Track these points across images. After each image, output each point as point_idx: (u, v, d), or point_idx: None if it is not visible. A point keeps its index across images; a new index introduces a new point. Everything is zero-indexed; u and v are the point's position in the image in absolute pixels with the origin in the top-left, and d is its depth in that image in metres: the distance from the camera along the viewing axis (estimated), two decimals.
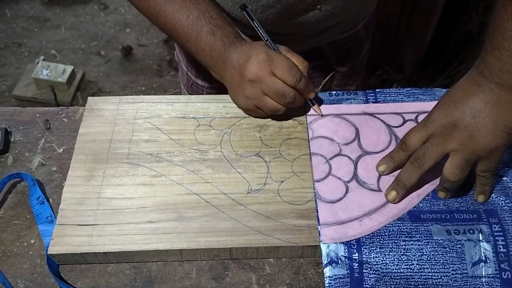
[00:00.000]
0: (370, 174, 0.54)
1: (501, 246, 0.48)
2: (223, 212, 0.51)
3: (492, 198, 0.52)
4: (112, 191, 0.53)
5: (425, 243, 0.49)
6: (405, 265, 0.48)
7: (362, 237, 0.49)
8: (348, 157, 0.56)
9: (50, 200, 0.55)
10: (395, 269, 0.47)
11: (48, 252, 0.48)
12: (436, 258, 0.48)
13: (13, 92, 1.87)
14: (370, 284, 0.47)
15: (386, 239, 0.49)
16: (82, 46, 2.09)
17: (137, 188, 0.53)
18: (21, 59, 2.03)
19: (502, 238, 0.49)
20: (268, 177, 0.54)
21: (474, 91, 0.49)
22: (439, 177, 0.52)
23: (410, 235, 0.49)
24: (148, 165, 0.55)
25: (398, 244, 0.49)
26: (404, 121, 0.59)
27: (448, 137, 0.49)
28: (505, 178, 0.54)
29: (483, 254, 0.48)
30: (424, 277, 0.47)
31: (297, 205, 0.52)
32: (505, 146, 0.48)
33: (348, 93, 0.62)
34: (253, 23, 0.57)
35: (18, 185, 0.56)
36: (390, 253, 0.48)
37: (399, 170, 0.53)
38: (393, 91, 0.62)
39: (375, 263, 0.48)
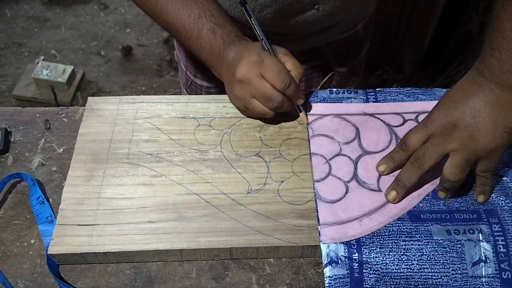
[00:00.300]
0: (370, 174, 0.54)
1: (501, 246, 0.48)
2: (223, 212, 0.51)
3: (492, 198, 0.52)
4: (112, 191, 0.53)
5: (425, 243, 0.49)
6: (405, 265, 0.47)
7: (362, 237, 0.49)
8: (348, 157, 0.56)
9: (50, 200, 0.55)
10: (395, 269, 0.47)
11: (48, 252, 0.48)
12: (436, 258, 0.48)
13: (13, 92, 1.87)
14: (370, 284, 0.47)
15: (386, 239, 0.49)
16: (82, 46, 2.09)
17: (137, 188, 0.53)
18: (21, 59, 2.03)
19: (502, 238, 0.49)
20: (268, 177, 0.54)
21: (474, 91, 0.49)
22: (439, 177, 0.52)
23: (410, 235, 0.49)
24: (148, 165, 0.55)
25: (398, 244, 0.49)
26: (404, 121, 0.59)
27: (448, 137, 0.49)
28: (505, 178, 0.54)
29: (483, 254, 0.48)
30: (424, 277, 0.47)
31: (297, 205, 0.52)
32: (505, 146, 0.48)
33: (349, 92, 0.62)
34: (251, 21, 0.57)
35: (18, 185, 0.56)
36: (390, 253, 0.48)
37: (399, 170, 0.53)
38: (393, 90, 0.62)
39: (375, 263, 0.48)
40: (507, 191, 0.53)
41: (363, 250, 0.48)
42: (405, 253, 0.48)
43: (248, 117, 0.60)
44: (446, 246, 0.48)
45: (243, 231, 0.50)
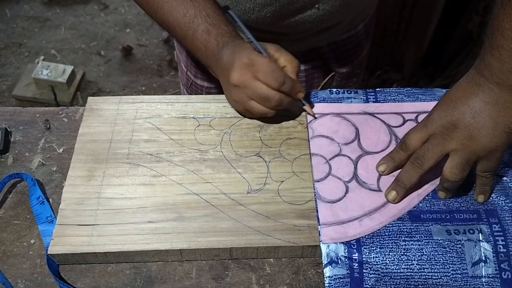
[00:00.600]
0: (370, 174, 0.54)
1: (501, 246, 0.48)
2: (223, 212, 0.51)
3: (492, 198, 0.52)
4: (112, 191, 0.53)
5: (425, 243, 0.49)
6: (405, 265, 0.47)
7: (362, 237, 0.49)
8: (348, 157, 0.56)
9: (50, 200, 0.55)
10: (395, 269, 0.47)
11: (48, 252, 0.48)
12: (436, 258, 0.48)
13: (13, 92, 1.87)
14: (370, 284, 0.47)
15: (386, 239, 0.49)
16: (82, 46, 2.09)
17: (137, 188, 0.53)
18: (21, 59, 2.03)
19: (502, 238, 0.49)
20: (268, 177, 0.54)
21: (474, 91, 0.49)
22: (439, 177, 0.52)
23: (410, 235, 0.49)
24: (148, 165, 0.55)
25: (398, 244, 0.49)
26: (404, 121, 0.59)
27: (448, 137, 0.49)
28: (505, 178, 0.54)
29: (483, 254, 0.48)
30: (424, 277, 0.47)
31: (297, 205, 0.52)
32: (505, 146, 0.48)
33: (349, 92, 0.62)
34: (236, 25, 0.57)
35: (18, 185, 0.56)
36: (390, 253, 0.48)
37: (399, 170, 0.53)
38: (393, 90, 0.62)
39: (375, 263, 0.48)
40: (507, 191, 0.53)
41: (363, 250, 0.48)
42: (405, 253, 0.48)
43: (249, 118, 0.60)
44: (446, 246, 0.48)
45: (243, 231, 0.50)
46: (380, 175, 0.54)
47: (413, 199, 0.52)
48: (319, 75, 0.83)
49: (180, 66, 0.88)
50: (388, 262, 0.48)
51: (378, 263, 0.48)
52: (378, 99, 0.61)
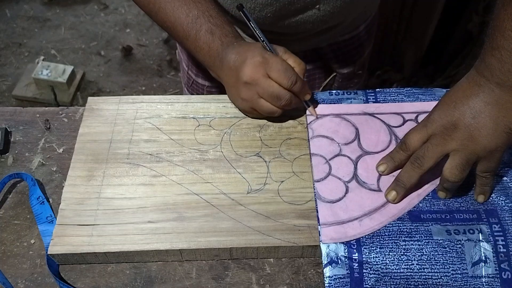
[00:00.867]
0: (370, 174, 0.54)
1: (501, 246, 0.48)
2: (223, 212, 0.51)
3: (492, 198, 0.52)
4: (112, 191, 0.53)
5: (425, 243, 0.49)
6: (405, 265, 0.48)
7: (362, 237, 0.49)
8: (348, 157, 0.56)
9: (50, 200, 0.55)
10: (395, 269, 0.47)
11: (48, 252, 0.48)
12: (436, 258, 0.48)
13: (13, 92, 1.87)
14: (370, 284, 0.47)
15: (386, 239, 0.49)
16: (82, 46, 2.10)
17: (137, 188, 0.53)
18: (21, 59, 2.03)
19: (502, 238, 0.49)
20: (268, 177, 0.54)
21: (474, 91, 0.49)
22: (439, 177, 0.52)
23: (410, 235, 0.49)
24: (148, 165, 0.55)
25: (398, 244, 0.49)
26: (404, 121, 0.59)
27: (448, 137, 0.49)
28: (505, 178, 0.54)
29: (483, 254, 0.48)
30: (424, 277, 0.47)
31: (297, 205, 0.52)
32: (505, 146, 0.48)
33: (348, 93, 0.62)
34: (250, 24, 0.57)
35: (18, 185, 0.56)
36: (390, 253, 0.48)
37: (399, 170, 0.53)
38: (393, 91, 0.62)
39: (375, 263, 0.48)
40: (507, 191, 0.53)
41: (363, 250, 0.48)
42: (405, 253, 0.48)
43: (252, 117, 0.60)
44: (446, 246, 0.48)
45: (243, 231, 0.50)
46: (380, 175, 0.54)
47: (413, 199, 0.52)
48: (320, 76, 0.82)
49: (182, 65, 0.88)
50: (388, 262, 0.48)
51: (378, 263, 0.48)
52: (378, 99, 0.61)
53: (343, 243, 0.49)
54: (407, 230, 0.49)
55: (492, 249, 0.48)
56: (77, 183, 0.53)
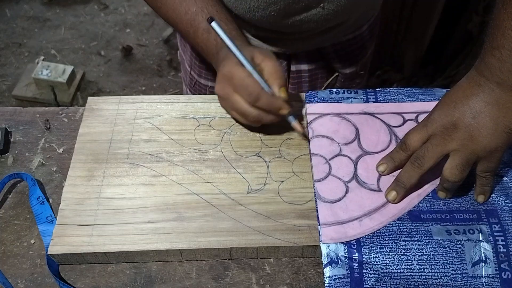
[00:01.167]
0: (370, 174, 0.54)
1: (501, 246, 0.48)
2: (223, 212, 0.51)
3: (492, 198, 0.52)
4: (112, 191, 0.53)
5: (425, 243, 0.49)
6: (405, 265, 0.48)
7: (362, 237, 0.49)
8: (348, 157, 0.56)
9: (50, 200, 0.55)
10: (395, 269, 0.47)
11: (48, 252, 0.48)
12: (436, 258, 0.48)
13: (13, 92, 1.87)
14: (370, 284, 0.47)
15: (386, 239, 0.49)
16: (82, 46, 2.10)
17: (137, 188, 0.53)
18: (21, 59, 2.03)
19: (502, 238, 0.49)
20: (268, 177, 0.54)
21: (474, 91, 0.49)
22: (439, 177, 0.52)
23: (410, 235, 0.49)
24: (148, 165, 0.55)
25: (398, 244, 0.49)
26: (404, 121, 0.59)
27: (448, 137, 0.49)
28: (505, 178, 0.54)
29: (483, 254, 0.48)
30: (424, 277, 0.47)
31: (297, 205, 0.52)
32: (505, 147, 0.48)
33: (349, 91, 0.62)
34: (218, 35, 0.55)
35: (18, 185, 0.56)
36: (390, 253, 0.48)
37: (399, 170, 0.53)
38: (393, 90, 0.62)
39: (375, 263, 0.48)
40: (507, 191, 0.53)
41: (363, 250, 0.48)
42: (405, 253, 0.48)
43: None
44: (446, 246, 0.48)
45: (243, 231, 0.50)
46: (380, 175, 0.54)
47: (413, 199, 0.52)
48: (322, 76, 0.82)
49: (184, 66, 0.87)
50: (388, 262, 0.48)
51: (378, 263, 0.48)
52: (378, 99, 0.61)
53: (343, 243, 0.49)
54: (407, 230, 0.49)
55: (492, 249, 0.48)
56: (77, 183, 0.53)
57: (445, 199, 0.52)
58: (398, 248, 0.48)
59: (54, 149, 0.59)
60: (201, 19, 0.58)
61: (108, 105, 0.61)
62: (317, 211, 0.51)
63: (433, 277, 0.47)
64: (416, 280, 0.47)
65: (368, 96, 0.62)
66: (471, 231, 0.49)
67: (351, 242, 0.49)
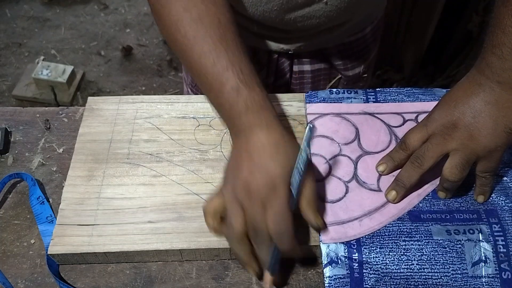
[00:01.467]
0: (370, 174, 0.54)
1: (501, 246, 0.48)
2: None
3: (492, 198, 0.52)
4: (112, 191, 0.53)
5: (425, 243, 0.49)
6: (405, 265, 0.48)
7: (362, 237, 0.49)
8: (348, 157, 0.56)
9: (50, 200, 0.55)
10: (395, 269, 0.47)
11: (48, 252, 0.48)
12: (436, 258, 0.48)
13: (13, 92, 1.87)
14: (370, 284, 0.47)
15: (386, 239, 0.49)
16: (82, 46, 2.10)
17: (137, 188, 0.53)
18: (21, 59, 2.03)
19: (502, 238, 0.49)
20: None
21: (475, 90, 0.49)
22: (439, 177, 0.52)
23: (410, 235, 0.49)
24: (148, 165, 0.55)
25: (398, 244, 0.49)
26: (404, 121, 0.59)
27: (449, 136, 0.49)
28: (505, 178, 0.54)
29: (483, 254, 0.48)
30: (424, 277, 0.47)
31: None
32: (505, 146, 0.48)
33: (349, 92, 0.62)
34: (305, 144, 0.44)
35: (18, 185, 0.56)
36: (390, 253, 0.48)
37: (399, 170, 0.53)
38: (393, 90, 0.62)
39: (375, 263, 0.48)
40: (507, 191, 0.53)
41: (363, 250, 0.48)
42: (405, 253, 0.48)
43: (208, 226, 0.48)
44: (446, 246, 0.48)
45: None
46: (380, 175, 0.54)
47: (413, 199, 0.52)
48: (325, 78, 0.82)
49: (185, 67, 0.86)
50: (388, 262, 0.48)
51: (378, 263, 0.48)
52: (378, 99, 0.61)
53: (343, 243, 0.49)
54: (407, 230, 0.49)
55: (492, 249, 0.48)
56: (77, 183, 0.53)
57: (445, 199, 0.52)
58: (398, 248, 0.48)
59: (54, 149, 0.59)
60: (230, 75, 0.48)
61: (108, 105, 0.61)
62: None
63: (433, 277, 0.47)
64: (416, 280, 0.47)
65: (368, 96, 0.62)
66: (471, 231, 0.49)
67: (351, 242, 0.49)
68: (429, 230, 0.49)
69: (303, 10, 0.66)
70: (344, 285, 0.47)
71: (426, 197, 0.53)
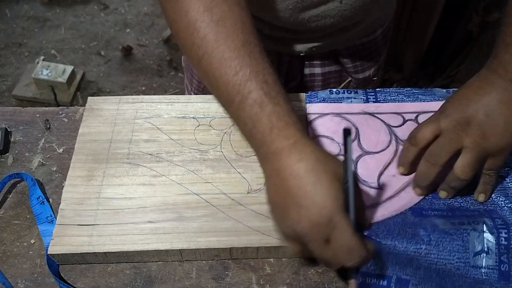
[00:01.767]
0: (371, 173, 0.54)
1: (503, 239, 0.48)
2: (223, 212, 0.51)
3: (492, 199, 0.52)
4: (112, 191, 0.53)
5: (432, 231, 0.48)
6: (413, 247, 0.47)
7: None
8: None
9: (50, 200, 0.55)
10: (403, 248, 0.47)
11: (48, 252, 0.48)
12: (443, 245, 0.47)
13: (13, 92, 1.87)
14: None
15: (392, 226, 0.49)
16: (82, 46, 2.10)
17: (137, 188, 0.53)
18: (21, 59, 2.03)
19: (506, 231, 0.48)
20: None
21: (487, 89, 0.49)
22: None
23: (415, 224, 0.49)
24: (148, 165, 0.55)
25: (405, 230, 0.48)
26: (404, 121, 0.59)
27: (462, 132, 0.48)
28: (506, 179, 0.54)
29: (485, 245, 0.48)
30: (429, 262, 0.47)
31: None
32: None
33: (349, 92, 0.62)
34: (346, 151, 0.42)
35: (18, 185, 0.56)
36: (398, 236, 0.48)
37: (401, 169, 0.53)
38: (393, 90, 0.62)
39: (383, 242, 0.47)
40: (507, 191, 0.53)
41: (369, 234, 0.48)
42: (414, 237, 0.48)
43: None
44: (453, 233, 0.48)
45: (243, 231, 0.49)
46: (380, 175, 0.54)
47: (413, 198, 0.52)
48: (335, 80, 0.81)
49: (188, 70, 0.84)
50: (397, 243, 0.47)
51: (387, 243, 0.47)
52: (378, 99, 0.61)
53: None
54: (412, 221, 0.49)
55: (495, 240, 0.48)
56: (77, 183, 0.53)
57: (445, 199, 0.52)
58: (405, 233, 0.48)
59: (54, 149, 0.59)
60: (254, 86, 0.44)
61: (108, 105, 0.61)
62: None
63: (438, 263, 0.47)
64: (420, 263, 0.47)
65: (368, 96, 0.62)
66: (476, 222, 0.49)
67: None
68: (434, 222, 0.49)
69: (318, 9, 0.64)
70: None
71: (426, 197, 0.53)
